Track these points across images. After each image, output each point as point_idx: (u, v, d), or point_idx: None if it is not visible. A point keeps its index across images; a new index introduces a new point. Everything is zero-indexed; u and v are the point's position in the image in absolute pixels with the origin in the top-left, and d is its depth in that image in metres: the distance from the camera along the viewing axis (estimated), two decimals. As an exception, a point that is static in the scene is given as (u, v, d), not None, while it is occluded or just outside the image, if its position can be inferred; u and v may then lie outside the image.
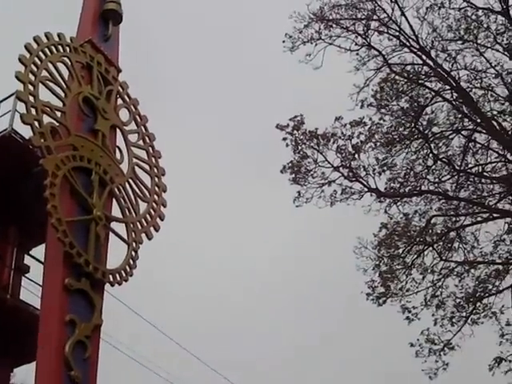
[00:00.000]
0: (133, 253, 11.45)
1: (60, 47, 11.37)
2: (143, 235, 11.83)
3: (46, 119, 10.52)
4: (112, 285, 10.96)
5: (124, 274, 11.16)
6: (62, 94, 11.04)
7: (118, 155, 12.14)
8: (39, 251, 14.78)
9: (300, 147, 23.64)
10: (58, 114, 10.79)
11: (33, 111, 10.24)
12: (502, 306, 22.38)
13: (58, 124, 10.66)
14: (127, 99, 12.77)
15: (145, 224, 11.93)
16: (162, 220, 12.27)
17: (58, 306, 10.28)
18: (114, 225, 11.58)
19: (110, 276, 10.91)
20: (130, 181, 12.11)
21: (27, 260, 15.84)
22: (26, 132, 11.64)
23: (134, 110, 12.83)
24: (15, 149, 13.94)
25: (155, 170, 12.78)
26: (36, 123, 10.18)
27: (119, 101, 12.62)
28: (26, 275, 15.67)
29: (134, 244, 11.52)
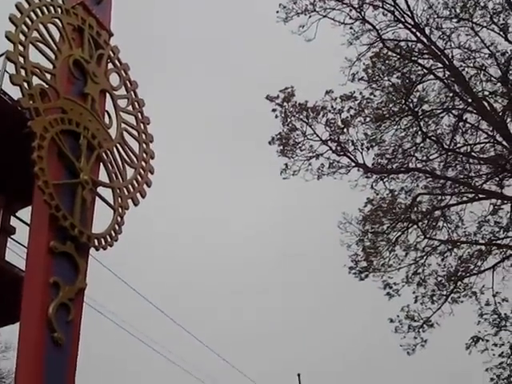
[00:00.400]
0: (118, 218, 11.48)
1: (51, 8, 11.27)
2: (129, 201, 11.86)
3: (36, 81, 10.46)
4: (97, 249, 11.00)
5: (109, 239, 11.19)
6: (53, 56, 10.97)
7: (106, 120, 12.12)
8: (25, 213, 14.74)
9: (289, 119, 23.61)
10: (48, 76, 10.73)
11: (22, 72, 10.18)
12: (483, 287, 22.57)
13: (47, 86, 10.62)
14: (118, 64, 12.71)
15: (131, 190, 11.95)
16: (149, 187, 12.29)
17: (43, 268, 10.32)
18: (100, 190, 11.59)
19: (95, 240, 10.94)
20: (118, 146, 12.10)
21: (13, 221, 15.79)
22: (15, 93, 11.56)
23: (124, 75, 12.78)
24: (3, 110, 13.85)
25: (143, 137, 12.77)
26: (25, 84, 10.12)
27: (110, 65, 12.57)
28: (12, 237, 15.64)
29: (119, 209, 11.55)
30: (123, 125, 12.42)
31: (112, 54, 12.59)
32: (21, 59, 10.27)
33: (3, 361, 43.56)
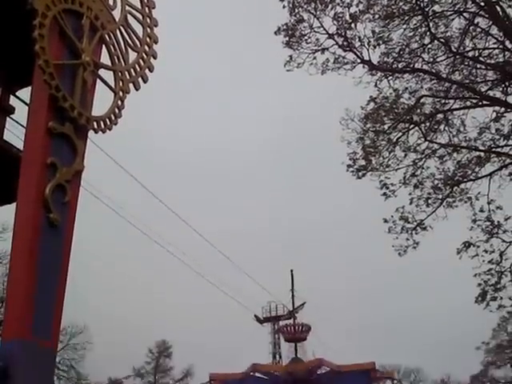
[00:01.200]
0: (119, 102, 11.39)
1: None
2: (131, 85, 11.73)
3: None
4: (96, 132, 10.96)
5: (108, 122, 11.14)
6: None
7: (110, 1, 11.86)
8: (25, 93, 14.62)
9: (297, 10, 23.02)
10: (52, -48, 10.43)
11: None
12: (479, 193, 22.62)
13: (50, -38, 10.33)
14: None
15: (133, 74, 11.81)
16: (151, 71, 12.13)
17: (41, 149, 10.31)
18: (102, 72, 11.45)
19: (95, 123, 10.89)
20: (122, 29, 11.90)
21: (12, 101, 15.68)
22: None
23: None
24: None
25: (148, 21, 12.52)
26: (28, -41, 9.86)
27: None
28: (11, 116, 15.56)
29: (120, 93, 11.45)
30: (127, 7, 12.16)
31: None
32: None
33: (0, 242, 44.31)
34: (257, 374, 55.18)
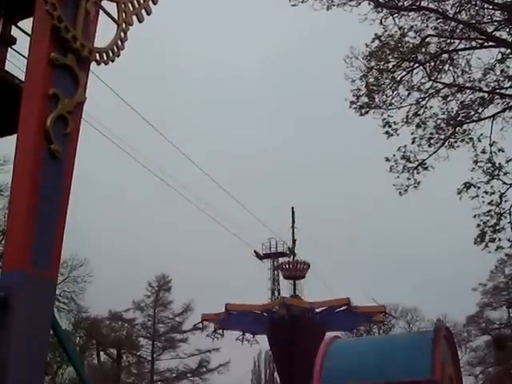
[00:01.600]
0: (122, 34, 11.31)
1: None
2: (134, 17, 11.62)
3: None
4: (98, 63, 10.91)
5: (111, 54, 11.08)
6: None
7: None
8: (27, 24, 14.48)
9: None
10: None
11: None
12: (481, 135, 22.57)
13: None
14: None
15: (137, 6, 11.68)
16: (155, 4, 11.99)
17: (42, 80, 10.29)
18: (105, 4, 11.35)
19: (97, 54, 10.82)
20: (125, -41, 11.70)
21: (14, 32, 15.53)
22: None
23: None
24: None
25: (151, -49, 12.30)
26: None
27: None
28: (13, 47, 15.44)
29: (123, 25, 11.35)
30: None
31: None
32: None
33: (1, 174, 44.41)
34: (254, 311, 55.66)
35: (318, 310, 54.80)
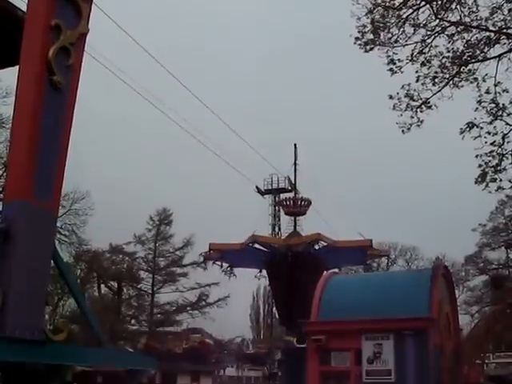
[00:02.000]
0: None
1: None
2: None
3: None
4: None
5: None
6: None
7: None
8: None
9: None
10: None
11: None
12: (486, 75, 22.37)
13: None
14: None
15: None
16: None
17: (45, 10, 10.21)
18: None
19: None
20: None
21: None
22: None
23: None
24: None
25: None
26: None
27: None
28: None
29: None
30: None
31: None
32: None
33: (4, 106, 44.40)
34: (256, 246, 56.22)
35: (316, 247, 55.33)
